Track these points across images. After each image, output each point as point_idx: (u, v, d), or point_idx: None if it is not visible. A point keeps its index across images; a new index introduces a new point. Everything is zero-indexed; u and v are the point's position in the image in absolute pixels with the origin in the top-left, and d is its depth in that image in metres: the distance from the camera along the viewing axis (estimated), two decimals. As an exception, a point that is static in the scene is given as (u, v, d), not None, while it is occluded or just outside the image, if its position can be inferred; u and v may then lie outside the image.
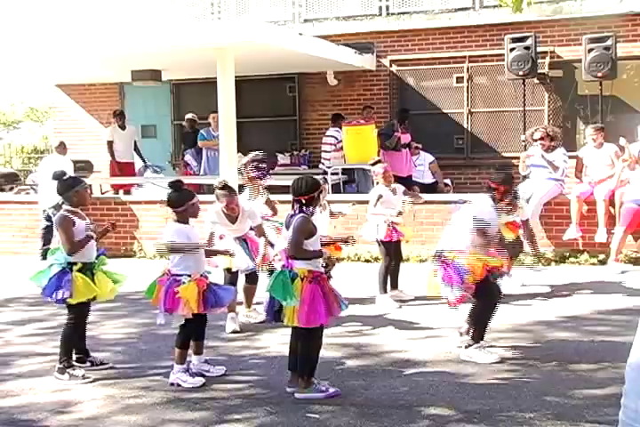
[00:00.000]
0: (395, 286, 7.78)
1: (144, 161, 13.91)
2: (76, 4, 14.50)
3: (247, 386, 5.14)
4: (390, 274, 7.70)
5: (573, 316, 6.82)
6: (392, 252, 7.69)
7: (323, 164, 12.78)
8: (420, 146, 12.35)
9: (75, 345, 5.59)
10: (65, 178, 5.54)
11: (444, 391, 4.93)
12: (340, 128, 12.47)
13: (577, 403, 4.65)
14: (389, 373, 5.37)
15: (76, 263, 5.37)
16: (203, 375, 5.29)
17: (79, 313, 5.54)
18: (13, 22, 14.97)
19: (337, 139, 12.56)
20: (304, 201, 4.91)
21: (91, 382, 5.33)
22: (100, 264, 5.58)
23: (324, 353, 5.87)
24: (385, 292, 7.62)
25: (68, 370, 5.38)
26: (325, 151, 12.78)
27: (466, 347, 5.63)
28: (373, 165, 7.87)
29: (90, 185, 12.86)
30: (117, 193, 13.19)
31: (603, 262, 9.12)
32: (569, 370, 5.30)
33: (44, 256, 10.83)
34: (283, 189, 10.87)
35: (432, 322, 6.75)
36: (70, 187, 5.50)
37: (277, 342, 6.15)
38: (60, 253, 5.43)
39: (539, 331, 6.34)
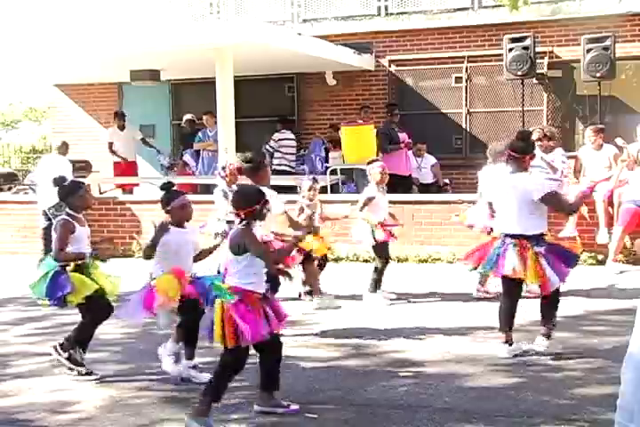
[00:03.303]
0: (380, 286, 7.78)
1: (157, 151, 13.89)
2: (74, 4, 14.49)
3: (245, 386, 5.13)
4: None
5: (572, 316, 6.81)
6: (386, 252, 7.71)
7: (290, 165, 13.16)
8: (424, 147, 12.38)
9: (86, 342, 5.53)
10: (65, 184, 5.52)
11: (442, 391, 4.93)
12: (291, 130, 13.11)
13: (574, 403, 4.65)
14: (388, 373, 5.36)
15: (68, 264, 5.35)
16: (189, 380, 5.22)
17: (95, 310, 5.42)
18: (12, 22, 14.96)
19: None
20: (243, 215, 4.46)
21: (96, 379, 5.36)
22: (93, 268, 5.53)
23: (322, 353, 5.89)
24: (376, 291, 7.65)
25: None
26: (290, 153, 13.21)
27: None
28: (369, 163, 7.90)
29: (88, 185, 12.98)
30: (129, 192, 13.22)
31: (601, 263, 9.12)
32: (567, 370, 5.30)
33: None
34: (280, 189, 10.91)
35: (431, 322, 6.75)
36: (72, 192, 5.49)
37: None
38: (50, 258, 5.43)
39: (536, 331, 6.32)
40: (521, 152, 5.71)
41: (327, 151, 12.89)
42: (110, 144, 13.54)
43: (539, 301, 5.85)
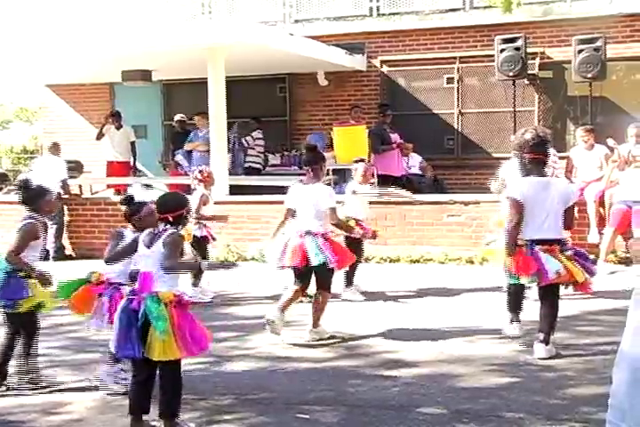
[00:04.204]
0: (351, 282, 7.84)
1: (134, 164, 13.91)
2: (66, 4, 14.45)
3: (237, 387, 5.13)
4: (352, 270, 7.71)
5: (563, 316, 6.78)
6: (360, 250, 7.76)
7: (262, 164, 13.34)
8: (410, 146, 12.37)
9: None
10: (32, 186, 5.24)
11: (434, 392, 4.93)
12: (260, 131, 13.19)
13: (566, 403, 4.66)
14: (380, 373, 5.36)
15: (20, 270, 5.10)
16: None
17: (33, 322, 5.22)
18: (3, 22, 14.90)
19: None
20: (171, 219, 4.42)
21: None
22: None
23: (314, 354, 5.89)
24: (350, 285, 7.76)
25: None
26: (262, 153, 13.35)
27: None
28: (355, 162, 8.04)
29: (80, 185, 12.95)
30: (119, 193, 13.19)
31: (593, 263, 9.12)
32: (559, 370, 5.31)
33: (41, 257, 10.81)
34: (273, 190, 10.90)
35: (423, 323, 6.75)
36: (40, 195, 5.24)
37: (267, 343, 6.14)
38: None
39: (529, 331, 6.34)
40: (546, 154, 5.71)
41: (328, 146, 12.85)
42: (100, 135, 13.52)
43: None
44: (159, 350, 4.19)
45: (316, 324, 6.28)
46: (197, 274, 7.40)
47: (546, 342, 5.59)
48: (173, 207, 4.47)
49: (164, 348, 4.19)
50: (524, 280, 5.61)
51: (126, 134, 13.63)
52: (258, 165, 13.29)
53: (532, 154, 5.65)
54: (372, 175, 7.94)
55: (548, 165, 5.95)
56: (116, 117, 13.57)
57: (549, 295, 5.68)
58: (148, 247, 4.40)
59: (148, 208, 5.00)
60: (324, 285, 6.25)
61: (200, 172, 8.05)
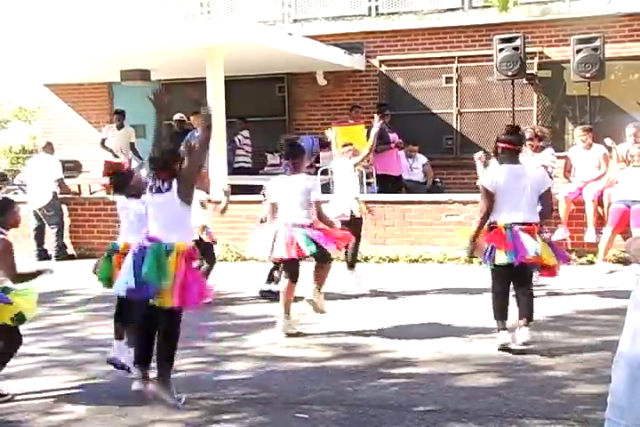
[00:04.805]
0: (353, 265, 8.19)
1: (141, 159, 13.86)
2: (65, 4, 14.45)
3: (235, 386, 5.13)
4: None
5: (562, 315, 6.84)
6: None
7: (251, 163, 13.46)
8: (416, 148, 12.41)
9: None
10: None
11: (433, 391, 4.94)
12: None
13: (565, 402, 4.67)
14: (379, 373, 5.37)
15: (6, 287, 4.97)
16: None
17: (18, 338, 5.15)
18: (2, 22, 14.90)
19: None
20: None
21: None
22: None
23: (312, 353, 5.89)
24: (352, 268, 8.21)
25: None
26: (249, 153, 13.49)
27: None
28: (344, 146, 8.39)
29: (79, 185, 12.95)
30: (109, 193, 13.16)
31: (591, 262, 9.15)
32: (557, 370, 5.32)
33: (40, 257, 10.82)
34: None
35: (422, 322, 6.76)
36: (6, 208, 5.08)
37: (266, 343, 6.14)
38: None
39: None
40: (518, 143, 5.89)
41: (322, 146, 12.85)
42: (103, 140, 13.46)
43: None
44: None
45: (318, 290, 6.52)
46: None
47: (527, 325, 5.71)
48: (170, 161, 4.69)
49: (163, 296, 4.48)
50: (501, 258, 5.62)
51: (127, 135, 13.59)
52: (248, 165, 13.37)
53: (505, 143, 5.84)
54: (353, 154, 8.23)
55: (524, 152, 6.14)
56: (119, 116, 13.52)
57: (524, 284, 5.80)
58: (160, 192, 4.63)
59: (137, 176, 5.13)
60: (324, 261, 6.48)
61: None
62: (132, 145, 13.62)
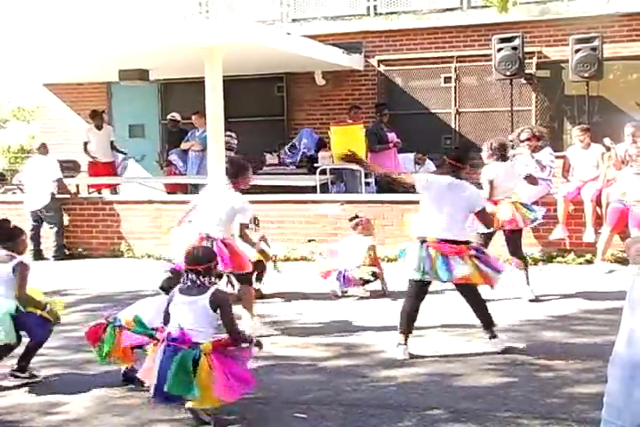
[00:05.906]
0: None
1: (123, 153, 13.88)
2: (63, 4, 14.44)
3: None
4: None
5: (561, 315, 6.85)
6: None
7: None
8: (425, 158, 12.41)
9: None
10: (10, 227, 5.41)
11: (432, 391, 4.94)
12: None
13: (564, 402, 4.68)
14: (378, 372, 5.37)
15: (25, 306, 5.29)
16: None
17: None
18: (0, 22, 14.88)
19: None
20: (202, 270, 4.58)
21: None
22: None
23: (311, 353, 5.89)
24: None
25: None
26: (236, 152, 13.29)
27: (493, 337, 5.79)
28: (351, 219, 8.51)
29: (77, 185, 12.94)
30: (99, 193, 13.15)
31: (590, 262, 9.16)
32: (556, 369, 5.32)
33: (36, 257, 10.81)
34: (270, 189, 10.91)
35: (420, 322, 6.74)
36: (16, 236, 5.38)
37: (267, 342, 6.13)
38: (5, 301, 5.23)
39: (526, 331, 6.37)
40: (465, 162, 5.89)
41: (321, 144, 12.84)
42: (85, 144, 13.45)
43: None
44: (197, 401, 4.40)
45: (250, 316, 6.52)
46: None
47: (494, 336, 5.78)
48: (206, 261, 4.63)
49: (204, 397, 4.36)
50: (419, 275, 5.71)
51: (107, 134, 13.57)
52: None
53: (454, 160, 5.86)
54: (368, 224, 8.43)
55: (522, 152, 6.38)
56: (97, 116, 13.50)
57: (468, 292, 5.85)
58: (189, 295, 4.53)
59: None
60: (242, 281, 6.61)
61: None
62: (111, 143, 13.62)
